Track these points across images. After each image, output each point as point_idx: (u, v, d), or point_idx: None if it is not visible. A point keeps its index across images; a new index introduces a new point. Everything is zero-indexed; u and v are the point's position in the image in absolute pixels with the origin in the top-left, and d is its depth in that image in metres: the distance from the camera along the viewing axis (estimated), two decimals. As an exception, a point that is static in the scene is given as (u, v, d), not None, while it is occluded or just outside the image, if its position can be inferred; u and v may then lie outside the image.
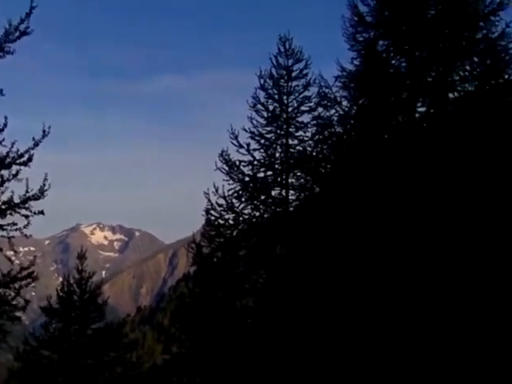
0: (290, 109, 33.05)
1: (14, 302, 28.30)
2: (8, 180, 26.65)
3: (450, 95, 27.84)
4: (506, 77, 27.44)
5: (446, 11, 27.70)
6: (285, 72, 33.11)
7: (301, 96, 33.02)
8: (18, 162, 26.49)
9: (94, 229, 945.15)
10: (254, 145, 32.62)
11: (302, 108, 32.94)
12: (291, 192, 32.39)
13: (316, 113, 31.81)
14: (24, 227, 26.83)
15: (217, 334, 31.37)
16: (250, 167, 32.54)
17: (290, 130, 32.94)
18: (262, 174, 32.70)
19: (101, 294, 43.07)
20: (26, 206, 27.08)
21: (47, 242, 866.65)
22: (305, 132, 32.76)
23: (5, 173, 26.62)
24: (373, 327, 24.47)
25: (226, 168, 32.30)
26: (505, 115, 26.90)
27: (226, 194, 32.09)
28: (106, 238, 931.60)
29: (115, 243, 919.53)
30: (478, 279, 22.88)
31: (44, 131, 26.48)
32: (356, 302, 25.38)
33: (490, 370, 21.84)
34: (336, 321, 25.88)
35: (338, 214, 26.66)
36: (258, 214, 32.64)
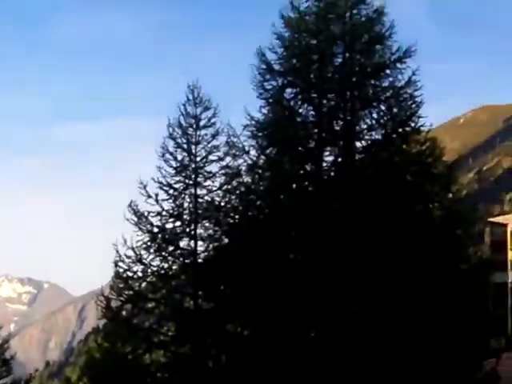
0: (198, 158, 32.65)
1: None
2: None
3: (358, 144, 27.95)
4: (413, 125, 27.62)
5: (352, 59, 27.88)
6: (193, 121, 32.75)
7: (209, 145, 32.67)
8: None
9: (2, 281, 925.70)
10: (162, 195, 32.15)
11: (211, 157, 32.59)
12: (200, 243, 31.90)
13: (224, 162, 31.49)
14: None
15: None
16: (159, 218, 32.01)
17: (199, 179, 32.54)
18: (170, 225, 32.17)
19: (8, 348, 41.55)
20: None
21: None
22: (213, 182, 32.38)
23: None
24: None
25: (135, 219, 31.72)
26: (411, 164, 27.26)
27: (135, 246, 31.39)
28: (14, 290, 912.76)
29: (24, 296, 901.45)
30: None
31: None
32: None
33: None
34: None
35: (246, 266, 26.39)
36: (166, 265, 32.05)
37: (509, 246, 71.87)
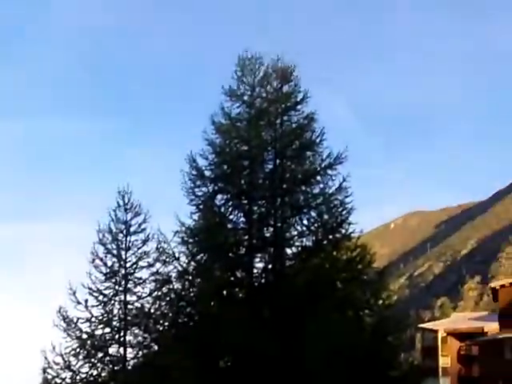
0: (128, 264, 32.39)
1: None
2: None
3: (288, 250, 27.92)
4: (344, 231, 27.74)
5: (283, 166, 28.08)
6: (124, 226, 32.62)
7: (140, 251, 32.47)
8: None
9: None
10: (92, 301, 31.75)
11: (141, 263, 32.36)
12: (129, 350, 31.38)
13: (154, 268, 31.29)
14: None
15: None
16: (88, 324, 31.55)
17: (129, 285, 32.21)
18: (99, 331, 31.71)
19: None
20: None
21: None
22: (143, 288, 32.10)
23: None
24: None
25: (64, 325, 31.24)
26: (341, 271, 27.27)
27: (64, 352, 30.84)
28: None
29: None
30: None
31: None
32: None
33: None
34: None
35: (175, 373, 25.85)
36: (95, 372, 31.38)
37: (440, 352, 72.05)
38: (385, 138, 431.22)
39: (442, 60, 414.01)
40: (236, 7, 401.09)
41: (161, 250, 29.10)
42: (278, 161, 28.15)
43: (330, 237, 27.88)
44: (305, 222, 27.85)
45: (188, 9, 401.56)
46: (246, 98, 28.97)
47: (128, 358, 31.58)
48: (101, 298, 31.93)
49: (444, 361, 71.43)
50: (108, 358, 31.70)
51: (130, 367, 31.58)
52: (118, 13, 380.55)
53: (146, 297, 31.76)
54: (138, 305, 31.86)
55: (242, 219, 28.02)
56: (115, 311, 32.05)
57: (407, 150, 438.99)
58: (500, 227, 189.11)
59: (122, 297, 32.06)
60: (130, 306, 31.93)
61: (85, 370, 31.29)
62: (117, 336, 31.78)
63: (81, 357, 31.25)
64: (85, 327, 31.53)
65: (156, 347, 30.24)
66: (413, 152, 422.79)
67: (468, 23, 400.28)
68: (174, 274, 28.46)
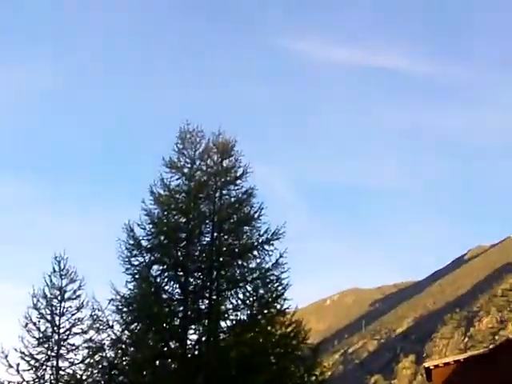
0: (62, 330, 32.30)
1: None
2: None
3: (223, 323, 27.96)
4: (279, 307, 27.93)
5: (220, 239, 28.30)
6: (58, 292, 32.58)
7: (73, 317, 32.43)
8: None
9: None
10: (24, 365, 31.54)
11: (74, 330, 32.29)
12: (57, 418, 31.00)
13: (88, 335, 31.08)
14: None
15: None
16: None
17: (61, 351, 32.09)
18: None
19: None
20: None
21: None
22: (76, 354, 32.02)
23: None
24: None
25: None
26: (275, 346, 27.37)
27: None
28: None
29: None
30: None
31: None
32: None
33: None
34: None
35: None
36: None
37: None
38: (325, 214, 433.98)
39: (378, 137, 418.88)
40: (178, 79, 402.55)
41: (95, 317, 28.89)
42: (215, 234, 28.33)
43: (265, 311, 27.99)
44: (240, 295, 27.94)
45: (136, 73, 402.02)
46: (185, 170, 29.18)
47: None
48: (33, 362, 31.79)
49: None
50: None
51: None
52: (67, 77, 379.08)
53: (78, 363, 31.62)
54: (69, 371, 31.74)
55: (178, 290, 28.00)
56: (47, 376, 31.93)
57: (345, 228, 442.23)
58: (436, 308, 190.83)
59: (55, 362, 31.94)
60: (61, 372, 31.80)
61: None
62: (48, 401, 31.52)
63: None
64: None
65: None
66: (350, 229, 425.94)
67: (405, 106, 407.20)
68: (107, 342, 28.21)
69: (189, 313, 27.63)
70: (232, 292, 27.91)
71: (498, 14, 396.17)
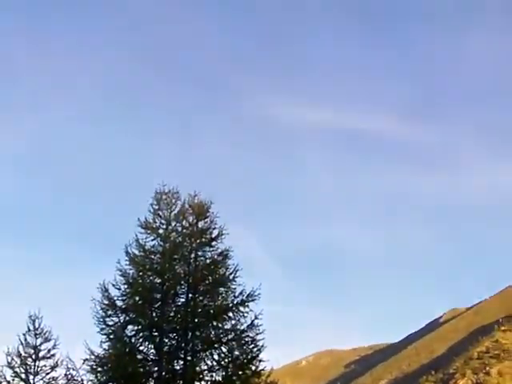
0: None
1: None
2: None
3: (198, 385, 27.89)
4: (254, 368, 27.91)
5: (195, 300, 28.34)
6: (33, 351, 32.30)
7: (48, 376, 32.12)
8: None
9: None
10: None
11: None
12: None
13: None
14: None
15: None
16: None
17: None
18: None
19: None
20: None
21: None
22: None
23: None
24: None
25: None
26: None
27: None
28: None
29: None
30: None
31: None
32: None
33: None
34: None
35: None
36: None
37: None
38: (299, 277, 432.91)
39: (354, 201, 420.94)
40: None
41: (69, 376, 28.91)
42: (190, 295, 28.42)
43: (241, 373, 28.02)
44: (215, 356, 27.99)
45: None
46: (161, 231, 29.32)
47: None
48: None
49: None
50: None
51: None
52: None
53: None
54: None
55: (153, 351, 28.00)
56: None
57: (320, 290, 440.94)
58: (411, 370, 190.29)
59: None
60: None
61: None
62: None
63: None
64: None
65: None
66: (325, 292, 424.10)
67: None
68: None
69: (163, 373, 27.60)
70: (207, 353, 27.93)
71: (469, 80, 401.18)
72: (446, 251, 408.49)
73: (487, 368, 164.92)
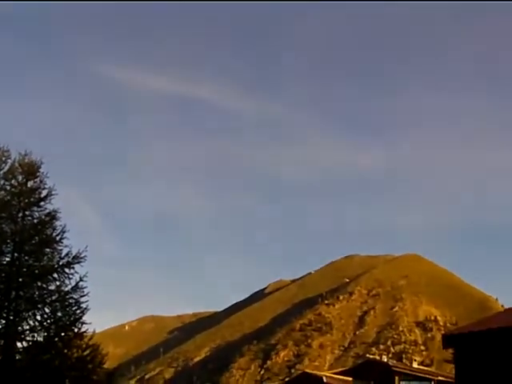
0: None
1: None
2: None
3: (19, 344, 27.69)
4: (76, 330, 27.95)
5: (21, 260, 28.02)
6: None
7: None
8: None
9: None
10: None
11: None
12: None
13: None
14: None
15: None
16: None
17: None
18: None
19: None
20: None
21: None
22: None
23: None
24: None
25: None
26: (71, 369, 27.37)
27: None
28: None
29: None
30: None
31: None
32: None
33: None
34: None
35: None
36: None
37: None
38: (131, 242, 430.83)
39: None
40: None
41: None
42: (15, 254, 28.09)
43: (63, 334, 27.99)
44: (38, 317, 27.78)
45: None
46: (-12, 189, 28.76)
47: None
48: None
49: None
50: None
51: None
52: None
53: None
54: None
55: (-27, 309, 27.55)
56: None
57: (150, 255, 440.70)
58: (234, 339, 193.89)
59: None
60: None
61: None
62: None
63: None
64: None
65: None
66: (154, 257, 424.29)
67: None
68: None
69: (-17, 333, 27.19)
70: (30, 313, 27.68)
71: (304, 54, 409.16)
72: (280, 223, 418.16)
73: (309, 340, 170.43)
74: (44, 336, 27.84)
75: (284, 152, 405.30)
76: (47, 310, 27.86)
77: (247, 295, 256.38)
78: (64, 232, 28.51)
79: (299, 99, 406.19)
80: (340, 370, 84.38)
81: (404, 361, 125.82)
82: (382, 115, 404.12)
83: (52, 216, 28.71)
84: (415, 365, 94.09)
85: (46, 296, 28.01)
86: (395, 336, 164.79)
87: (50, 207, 28.89)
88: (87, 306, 28.16)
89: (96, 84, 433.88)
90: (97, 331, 29.48)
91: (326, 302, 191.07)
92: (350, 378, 69.32)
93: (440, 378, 69.95)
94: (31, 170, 28.97)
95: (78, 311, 28.05)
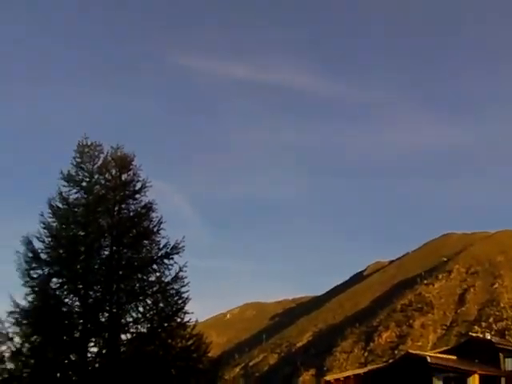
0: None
1: None
2: None
3: (123, 336, 28.05)
4: (179, 320, 28.18)
5: (120, 253, 28.38)
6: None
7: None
8: None
9: None
10: None
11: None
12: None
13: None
14: None
15: None
16: None
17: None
18: None
19: None
20: None
21: None
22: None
23: None
24: None
25: None
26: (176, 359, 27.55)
27: None
28: None
29: None
30: None
31: None
32: None
33: None
34: None
35: None
36: None
37: None
38: (225, 230, 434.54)
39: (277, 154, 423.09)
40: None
41: (-6, 329, 28.56)
42: (114, 247, 28.52)
43: (166, 325, 28.28)
44: (140, 309, 28.14)
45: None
46: (84, 184, 29.25)
47: None
48: None
49: None
50: None
51: None
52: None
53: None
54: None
55: (77, 303, 28.02)
56: None
57: (245, 242, 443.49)
58: (335, 322, 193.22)
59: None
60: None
61: None
62: None
63: None
64: None
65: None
66: (252, 244, 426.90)
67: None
68: (7, 354, 27.92)
69: (89, 325, 27.64)
70: (132, 305, 28.05)
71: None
72: (373, 204, 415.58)
73: (410, 321, 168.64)
74: (147, 327, 28.16)
75: (373, 133, 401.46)
76: (149, 302, 28.18)
77: (346, 278, 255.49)
78: (161, 223, 28.83)
79: (389, 81, 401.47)
80: (443, 349, 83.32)
81: (507, 337, 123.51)
82: (475, 89, 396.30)
83: (148, 208, 28.99)
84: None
85: (146, 288, 28.33)
86: (497, 313, 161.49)
87: (145, 199, 29.24)
88: (188, 295, 28.43)
89: (177, 75, 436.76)
90: (199, 321, 29.56)
91: (425, 281, 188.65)
92: (454, 357, 68.47)
93: (545, 352, 68.45)
94: (124, 163, 29.29)
95: (180, 301, 28.30)
